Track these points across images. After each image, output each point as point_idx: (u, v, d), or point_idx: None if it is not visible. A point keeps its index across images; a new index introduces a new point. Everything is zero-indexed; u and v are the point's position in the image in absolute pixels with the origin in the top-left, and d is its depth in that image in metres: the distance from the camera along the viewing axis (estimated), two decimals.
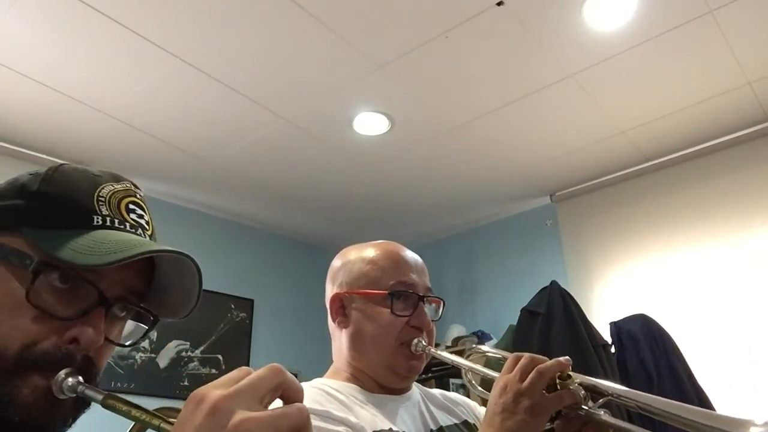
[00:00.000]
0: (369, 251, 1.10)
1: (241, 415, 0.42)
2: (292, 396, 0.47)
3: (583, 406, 0.83)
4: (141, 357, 3.41)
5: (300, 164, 3.44)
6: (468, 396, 1.29)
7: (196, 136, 3.11)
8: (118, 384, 3.25)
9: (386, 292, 1.04)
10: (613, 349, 2.71)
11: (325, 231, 4.30)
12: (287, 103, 2.88)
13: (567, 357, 0.87)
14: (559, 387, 0.84)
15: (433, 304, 1.11)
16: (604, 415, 0.82)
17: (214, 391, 0.44)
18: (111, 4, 2.22)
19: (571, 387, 0.84)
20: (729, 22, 2.40)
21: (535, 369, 0.84)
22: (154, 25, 2.34)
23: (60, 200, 0.61)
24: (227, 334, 3.81)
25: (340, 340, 1.09)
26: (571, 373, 0.86)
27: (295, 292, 4.19)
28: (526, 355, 0.87)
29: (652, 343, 2.59)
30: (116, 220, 0.63)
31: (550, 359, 0.87)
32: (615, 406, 0.84)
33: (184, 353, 3.59)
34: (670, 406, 0.74)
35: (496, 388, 0.87)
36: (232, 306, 3.89)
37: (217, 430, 0.41)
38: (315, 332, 4.05)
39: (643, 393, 0.79)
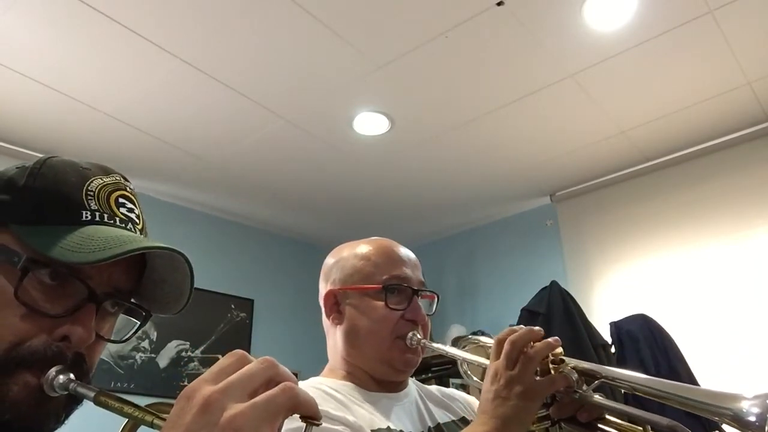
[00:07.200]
0: (362, 248, 1.11)
1: (232, 410, 0.41)
2: None
3: (577, 390, 0.83)
4: (141, 357, 3.41)
5: (300, 164, 3.44)
6: (468, 392, 1.29)
7: (196, 136, 3.11)
8: (118, 384, 3.25)
9: (380, 286, 1.04)
10: (613, 349, 2.71)
11: (325, 231, 4.30)
12: (287, 103, 2.87)
13: (556, 338, 0.87)
14: (552, 371, 0.85)
15: (428, 299, 1.12)
16: (598, 397, 0.82)
17: (205, 386, 0.43)
18: (111, 4, 2.22)
19: (563, 371, 0.84)
20: (729, 22, 2.40)
21: (525, 354, 0.85)
22: (154, 25, 2.34)
23: (48, 195, 0.60)
24: (227, 334, 3.81)
25: (334, 337, 1.09)
26: (564, 357, 0.86)
27: (295, 291, 4.18)
28: (509, 338, 0.87)
29: (652, 343, 2.60)
30: (106, 215, 0.61)
31: (543, 336, 0.88)
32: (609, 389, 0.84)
33: (184, 353, 3.59)
34: (663, 385, 0.75)
35: (487, 376, 0.88)
36: (232, 306, 3.89)
37: (209, 427, 0.41)
38: (315, 332, 4.03)
39: (637, 374, 0.80)
